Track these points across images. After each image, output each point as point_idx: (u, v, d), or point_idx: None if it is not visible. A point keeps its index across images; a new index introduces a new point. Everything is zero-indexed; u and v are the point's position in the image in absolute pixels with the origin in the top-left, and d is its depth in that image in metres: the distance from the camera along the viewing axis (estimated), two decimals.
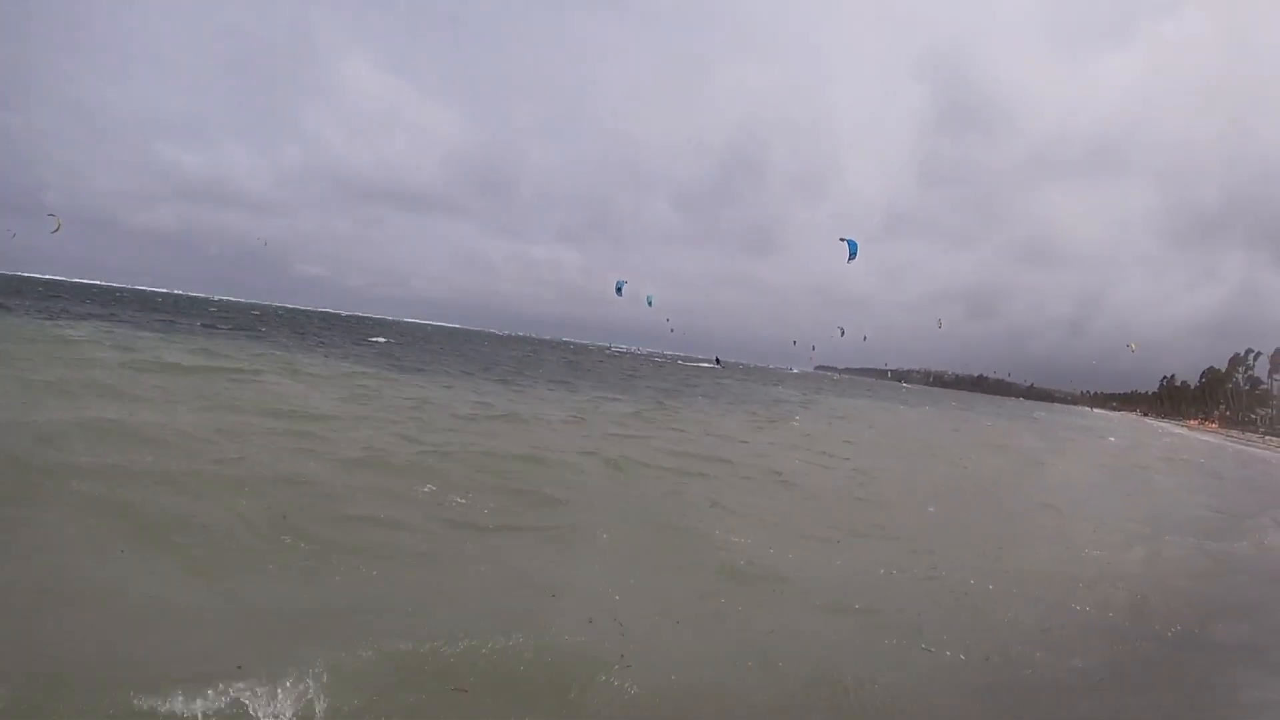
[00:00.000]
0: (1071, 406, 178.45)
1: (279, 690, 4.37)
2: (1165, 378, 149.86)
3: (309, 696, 4.40)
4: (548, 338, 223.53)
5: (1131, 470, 26.63)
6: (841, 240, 25.45)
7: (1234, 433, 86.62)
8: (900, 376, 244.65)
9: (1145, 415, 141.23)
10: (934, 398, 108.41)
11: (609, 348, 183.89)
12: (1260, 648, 7.39)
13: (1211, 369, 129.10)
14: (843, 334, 68.11)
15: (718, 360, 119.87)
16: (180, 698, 4.19)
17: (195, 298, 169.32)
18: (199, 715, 4.14)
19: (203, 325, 46.08)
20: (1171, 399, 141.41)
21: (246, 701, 4.26)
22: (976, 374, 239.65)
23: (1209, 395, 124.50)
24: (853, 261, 25.21)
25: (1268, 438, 77.88)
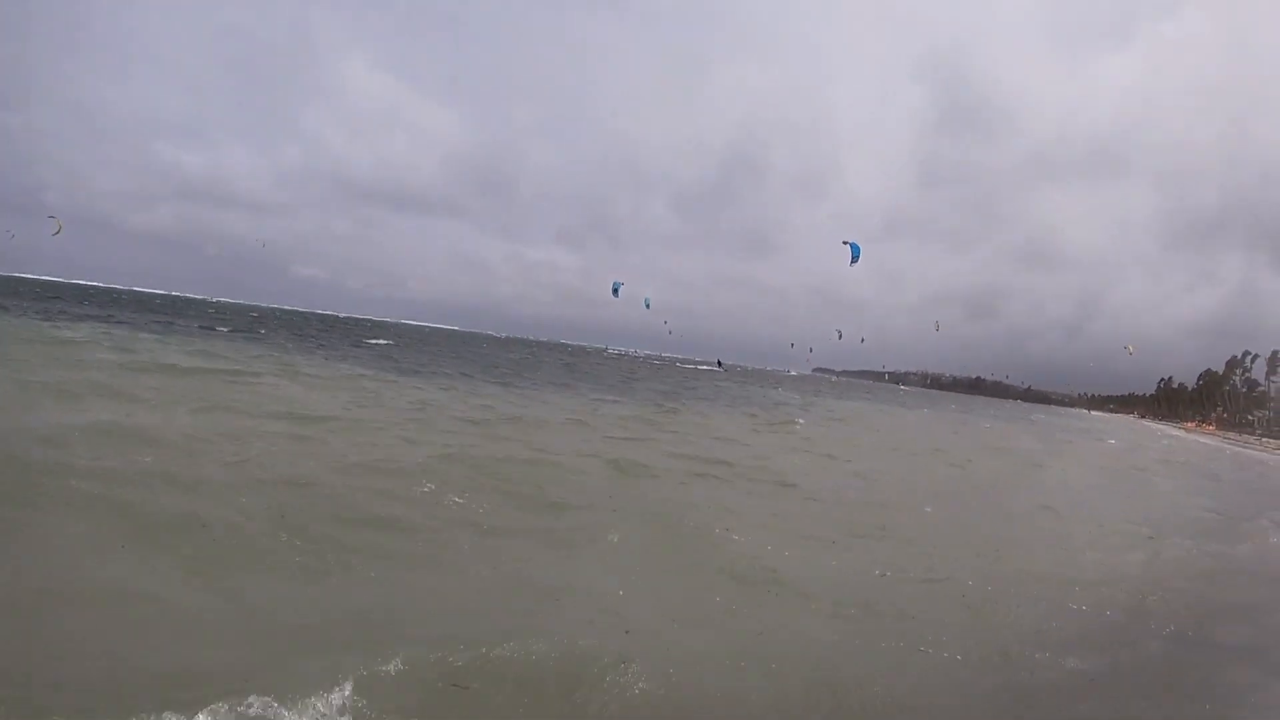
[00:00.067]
0: (1069, 409, 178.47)
1: (289, 701, 4.31)
2: (1163, 380, 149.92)
3: (320, 707, 4.35)
4: (545, 340, 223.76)
5: (1131, 472, 26.63)
6: (844, 243, 25.35)
7: (1231, 435, 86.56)
8: (898, 379, 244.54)
9: (1143, 417, 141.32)
10: (932, 400, 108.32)
11: (605, 349, 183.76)
12: (1261, 649, 7.39)
13: (1209, 371, 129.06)
14: (840, 336, 67.91)
15: (720, 363, 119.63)
16: (185, 706, 4.16)
17: (193, 299, 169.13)
18: None
19: (201, 327, 46.05)
20: (1169, 401, 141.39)
21: (255, 715, 4.20)
22: (974, 376, 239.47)
23: (1206, 397, 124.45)
24: (855, 264, 25.11)
25: (1264, 440, 77.87)
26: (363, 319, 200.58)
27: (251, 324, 64.32)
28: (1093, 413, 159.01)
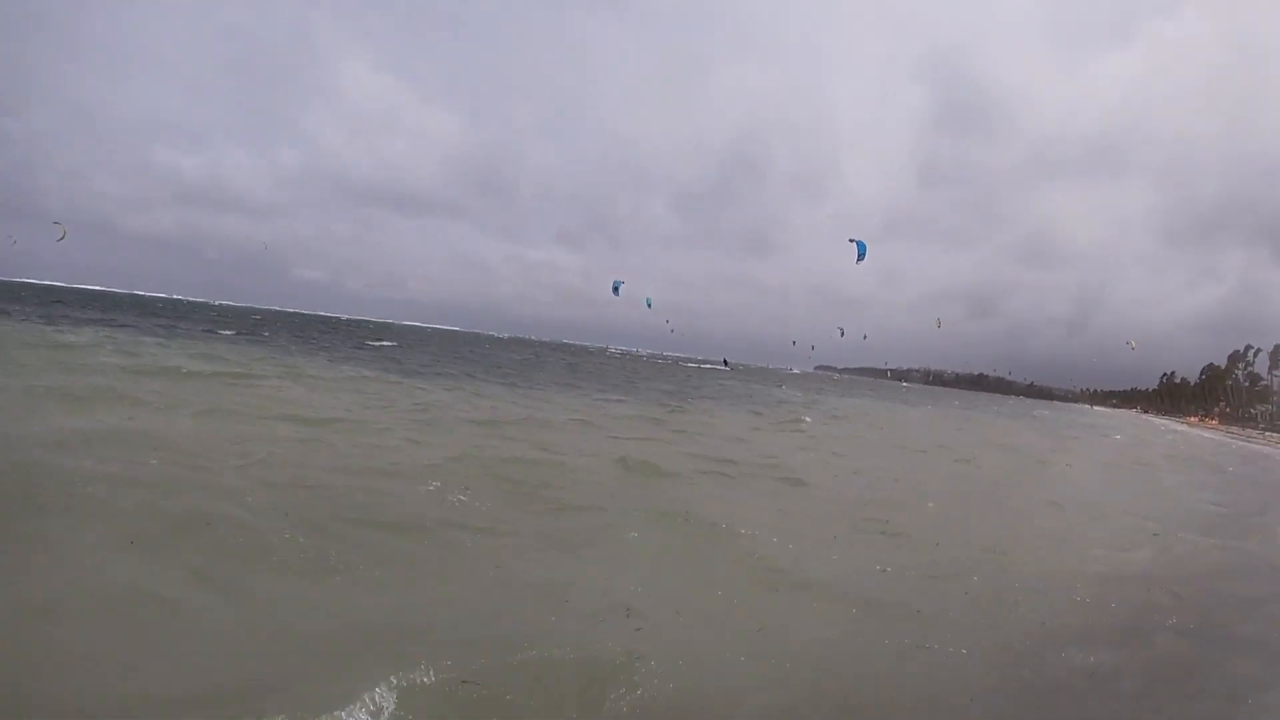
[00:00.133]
0: (1071, 404, 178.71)
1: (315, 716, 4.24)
2: (1165, 374, 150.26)
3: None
4: (547, 340, 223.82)
5: (1137, 468, 26.58)
6: (850, 241, 25.32)
7: (1234, 429, 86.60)
8: (900, 376, 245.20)
9: (1145, 412, 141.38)
10: (935, 397, 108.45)
11: (607, 349, 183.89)
12: (1273, 644, 7.33)
13: (1211, 366, 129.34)
14: (843, 334, 68.05)
15: (726, 362, 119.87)
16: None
17: (195, 302, 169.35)
18: None
19: (204, 330, 46.13)
20: (1172, 396, 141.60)
21: None
22: (976, 373, 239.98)
23: (1209, 392, 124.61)
24: (861, 262, 25.08)
25: (1268, 434, 77.80)
26: (364, 320, 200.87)
27: (254, 327, 64.31)
28: (1095, 408, 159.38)
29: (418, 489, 9.63)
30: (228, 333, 46.48)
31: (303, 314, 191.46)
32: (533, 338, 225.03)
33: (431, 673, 4.71)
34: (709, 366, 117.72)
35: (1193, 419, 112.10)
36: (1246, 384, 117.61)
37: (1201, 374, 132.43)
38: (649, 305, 53.64)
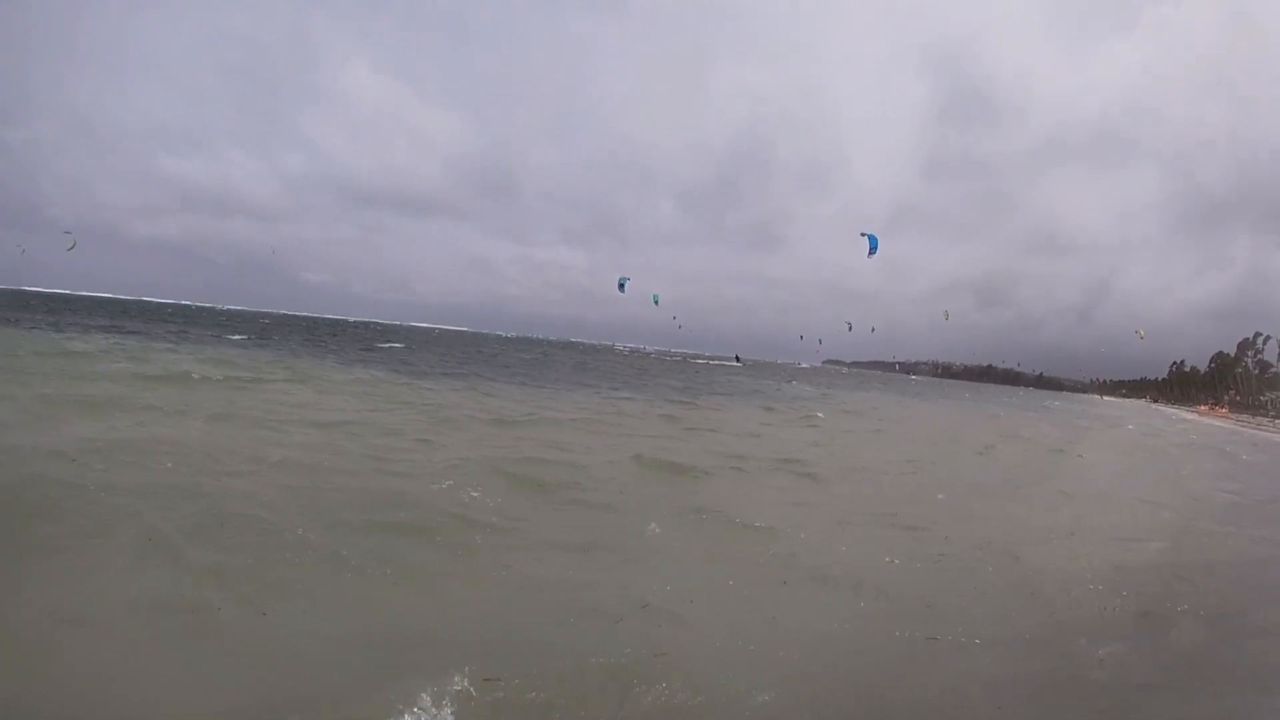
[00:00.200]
0: (1081, 395, 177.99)
1: None
2: (1175, 363, 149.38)
3: None
4: (555, 339, 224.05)
5: (1152, 457, 26.52)
6: (862, 235, 25.23)
7: (1244, 417, 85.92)
8: (908, 369, 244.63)
9: (1155, 402, 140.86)
10: (945, 389, 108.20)
11: (613, 346, 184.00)
12: None
13: (1221, 354, 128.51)
14: (850, 329, 67.97)
15: (738, 358, 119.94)
16: None
17: (203, 307, 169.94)
18: None
19: (213, 335, 46.08)
20: (1181, 385, 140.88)
21: None
22: (985, 364, 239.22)
23: (1219, 380, 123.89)
24: (873, 256, 24.95)
25: (1278, 421, 77.26)
26: (371, 322, 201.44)
27: (263, 331, 64.26)
28: (1105, 398, 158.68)
29: (435, 491, 9.58)
30: (237, 337, 46.44)
31: (310, 317, 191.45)
32: (539, 336, 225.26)
33: (465, 682, 4.62)
34: (717, 362, 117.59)
35: (1203, 407, 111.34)
36: (1256, 372, 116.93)
37: (1211, 362, 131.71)
38: (656, 302, 53.51)
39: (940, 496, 12.77)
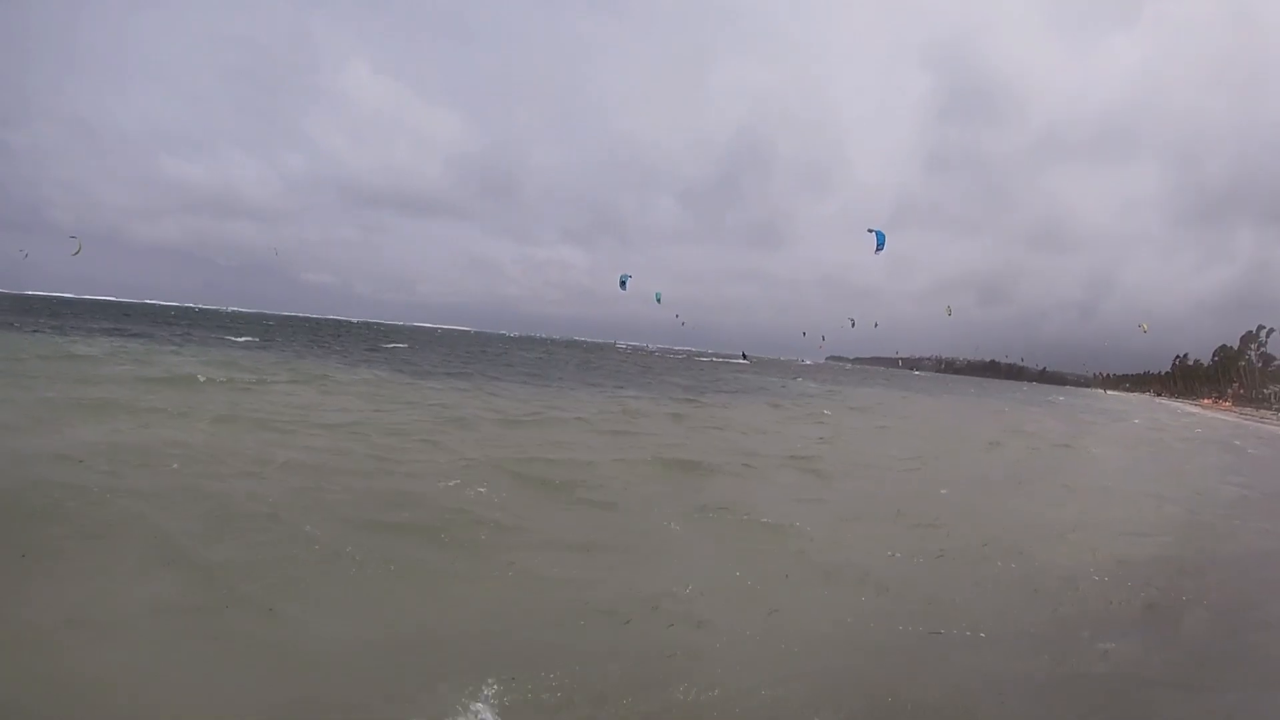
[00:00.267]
0: (1084, 389, 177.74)
1: None
2: (1178, 357, 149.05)
3: None
4: (558, 338, 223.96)
5: (1159, 450, 26.50)
6: (869, 231, 25.16)
7: (1248, 410, 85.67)
8: (911, 365, 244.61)
9: (1159, 395, 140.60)
10: (949, 385, 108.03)
11: (615, 344, 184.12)
12: None
13: (1224, 347, 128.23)
14: (853, 325, 67.97)
15: (745, 355, 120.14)
16: None
17: (207, 310, 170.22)
18: None
19: (217, 337, 46.04)
20: (1185, 378, 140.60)
21: None
22: (988, 360, 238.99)
23: (1222, 373, 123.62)
24: (880, 252, 24.87)
25: None
26: (374, 323, 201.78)
27: (266, 332, 64.22)
28: (1109, 392, 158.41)
29: (444, 492, 9.51)
30: (241, 339, 46.43)
31: (314, 318, 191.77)
32: (542, 336, 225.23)
33: (482, 685, 4.58)
34: (721, 360, 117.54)
35: (1206, 401, 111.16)
36: (1259, 365, 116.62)
37: (1214, 356, 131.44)
38: (658, 300, 53.48)
39: (943, 491, 12.74)
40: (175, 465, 9.42)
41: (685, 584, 6.77)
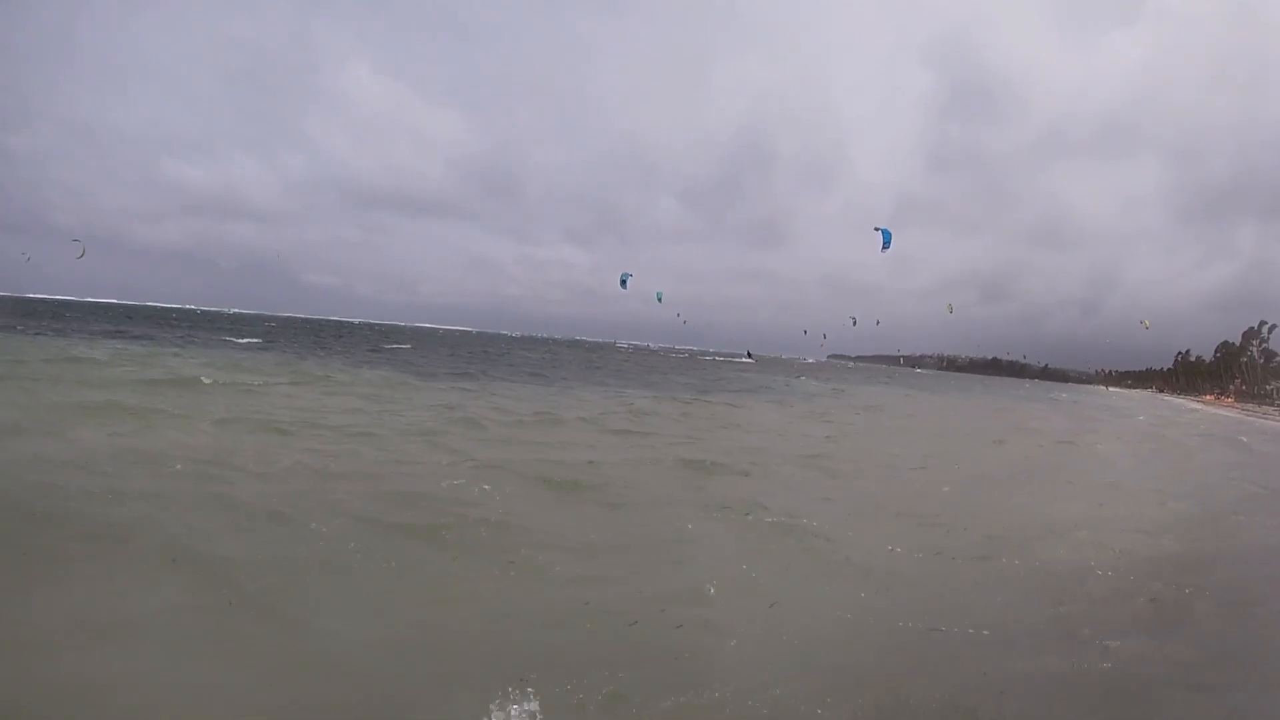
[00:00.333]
0: (1086, 386, 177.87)
1: None
2: (1180, 353, 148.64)
3: None
4: (560, 337, 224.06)
5: (1166, 447, 26.38)
6: (876, 230, 25.15)
7: (1250, 406, 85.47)
8: (913, 363, 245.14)
9: (1161, 392, 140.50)
10: (952, 383, 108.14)
11: (615, 344, 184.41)
12: None
13: (1226, 343, 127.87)
14: (855, 324, 67.96)
15: (749, 354, 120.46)
16: None
17: (209, 311, 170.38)
18: None
19: (220, 339, 46.03)
20: (1187, 375, 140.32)
21: None
22: (990, 357, 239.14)
23: (1224, 370, 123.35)
24: (887, 250, 24.83)
25: None
26: (377, 324, 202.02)
27: (269, 334, 64.21)
28: (1111, 389, 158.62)
29: (453, 492, 9.48)
30: (243, 341, 46.46)
31: (316, 319, 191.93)
32: (544, 336, 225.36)
33: (499, 687, 4.53)
34: (723, 359, 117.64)
35: (1209, 397, 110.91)
36: (1262, 361, 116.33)
37: (1216, 352, 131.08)
38: (660, 299, 53.33)
39: (946, 489, 12.73)
40: (179, 467, 9.40)
41: (693, 583, 6.76)
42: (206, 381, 19.19)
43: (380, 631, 5.38)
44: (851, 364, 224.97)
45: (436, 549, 7.24)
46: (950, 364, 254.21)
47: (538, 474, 10.82)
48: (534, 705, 4.42)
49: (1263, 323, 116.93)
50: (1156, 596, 7.40)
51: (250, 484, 8.97)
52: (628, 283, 43.26)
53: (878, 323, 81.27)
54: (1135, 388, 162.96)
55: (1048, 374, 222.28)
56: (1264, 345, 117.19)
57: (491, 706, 4.34)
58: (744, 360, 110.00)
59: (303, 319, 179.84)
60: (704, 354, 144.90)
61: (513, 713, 4.32)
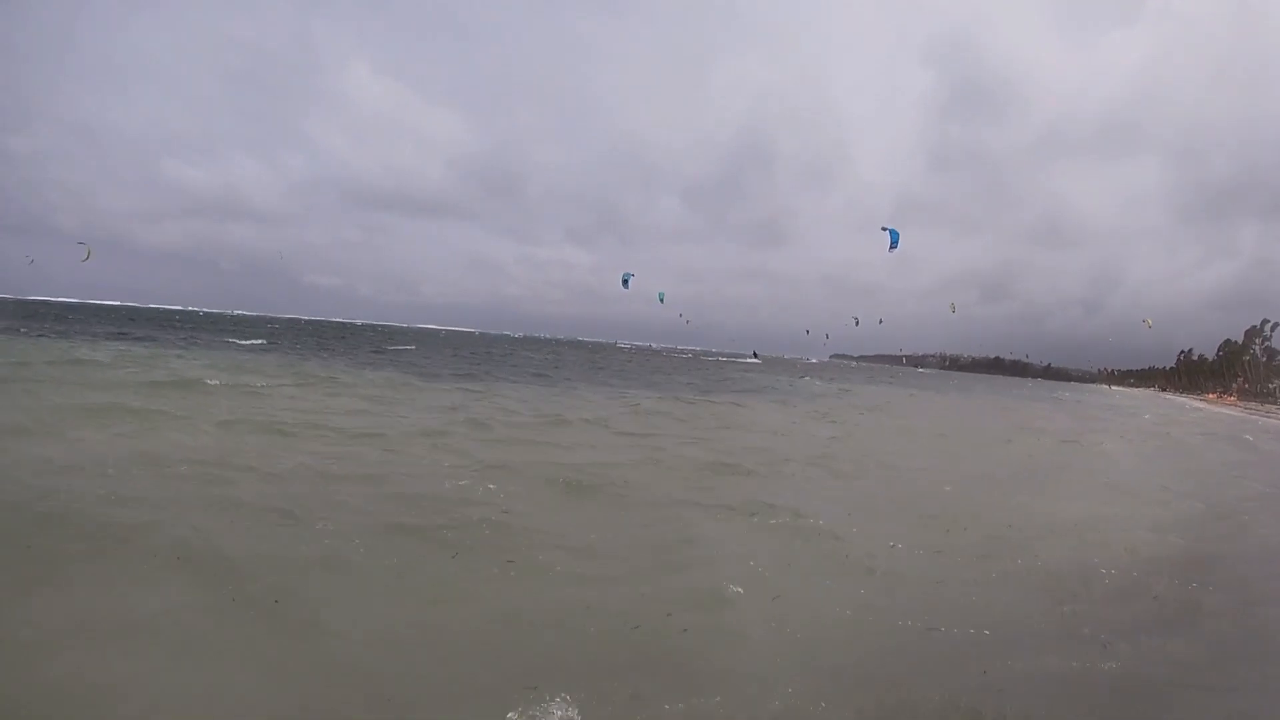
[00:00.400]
0: (1089, 385, 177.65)
1: None
2: (1182, 352, 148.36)
3: None
4: (562, 338, 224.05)
5: (1171, 446, 26.33)
6: (883, 230, 25.10)
7: (1253, 405, 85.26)
8: (916, 362, 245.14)
9: (1163, 390, 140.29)
10: (954, 382, 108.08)
11: (615, 344, 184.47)
12: None
13: (1229, 341, 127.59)
14: (857, 323, 67.90)
15: (755, 354, 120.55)
16: None
17: (212, 313, 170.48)
18: None
19: (223, 341, 46.04)
20: (1189, 373, 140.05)
21: None
22: (992, 356, 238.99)
23: (1227, 368, 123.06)
24: (894, 250, 24.78)
25: None
26: (379, 325, 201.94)
27: (272, 335, 64.15)
28: (1113, 388, 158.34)
29: (459, 493, 9.47)
30: (246, 342, 46.45)
31: (318, 320, 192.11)
32: (546, 336, 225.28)
33: (507, 689, 4.55)
34: (727, 359, 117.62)
35: (1211, 395, 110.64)
36: (1264, 359, 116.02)
37: (1219, 350, 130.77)
38: (661, 299, 53.29)
39: (948, 488, 12.70)
40: (183, 468, 9.41)
41: (699, 584, 6.76)
42: (210, 383, 19.22)
43: (385, 633, 5.36)
44: (854, 364, 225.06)
45: (442, 550, 7.20)
46: (953, 363, 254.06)
47: (543, 475, 10.82)
48: (535, 709, 4.40)
49: (1265, 321, 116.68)
50: (1160, 595, 7.38)
51: (254, 485, 8.97)
52: (629, 283, 43.25)
53: (880, 322, 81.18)
54: (1138, 387, 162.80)
55: (1050, 373, 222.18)
56: (1266, 344, 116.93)
57: (504, 709, 4.32)
58: (749, 360, 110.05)
59: (305, 320, 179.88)
60: (707, 354, 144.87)
61: (512, 715, 4.31)
